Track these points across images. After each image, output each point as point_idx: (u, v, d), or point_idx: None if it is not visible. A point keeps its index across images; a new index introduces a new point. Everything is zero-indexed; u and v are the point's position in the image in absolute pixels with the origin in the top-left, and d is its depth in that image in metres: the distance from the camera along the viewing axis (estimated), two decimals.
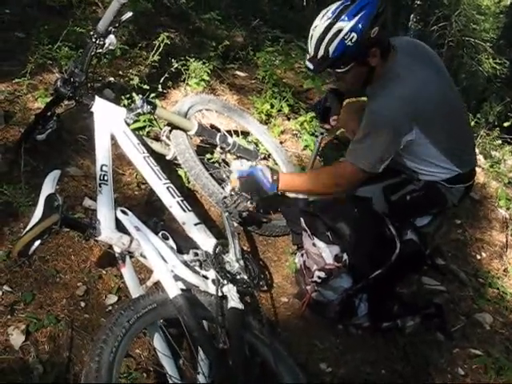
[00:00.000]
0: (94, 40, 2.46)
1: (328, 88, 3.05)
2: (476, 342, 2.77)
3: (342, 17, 2.24)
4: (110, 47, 2.52)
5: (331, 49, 2.27)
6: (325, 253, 2.49)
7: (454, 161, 2.49)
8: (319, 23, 2.30)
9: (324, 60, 2.32)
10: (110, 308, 2.22)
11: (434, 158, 2.47)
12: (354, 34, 2.23)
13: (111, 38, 2.48)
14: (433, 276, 3.01)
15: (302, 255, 2.67)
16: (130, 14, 2.51)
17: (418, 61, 2.42)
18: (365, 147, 2.36)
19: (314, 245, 2.53)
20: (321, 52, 2.30)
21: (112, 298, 2.26)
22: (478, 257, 3.45)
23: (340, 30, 2.24)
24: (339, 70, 2.35)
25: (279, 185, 2.55)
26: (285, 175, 2.71)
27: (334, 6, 2.31)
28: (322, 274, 2.50)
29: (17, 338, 1.96)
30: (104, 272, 2.34)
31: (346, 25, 2.23)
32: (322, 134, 3.01)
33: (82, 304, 2.19)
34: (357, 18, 2.22)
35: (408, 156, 2.48)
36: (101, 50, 2.50)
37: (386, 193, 2.59)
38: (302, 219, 2.63)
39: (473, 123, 4.96)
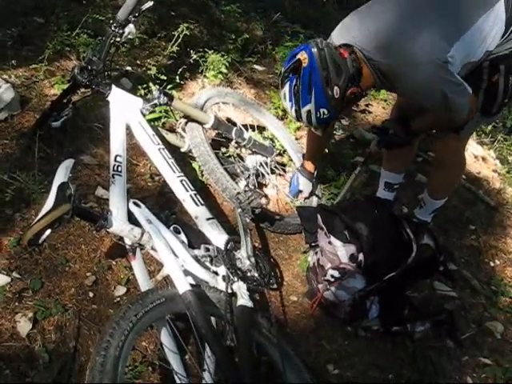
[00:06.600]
0: (113, 28, 2.45)
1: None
2: (486, 350, 2.72)
3: (301, 101, 2.26)
4: (129, 36, 2.52)
5: (317, 125, 2.36)
6: (340, 251, 2.46)
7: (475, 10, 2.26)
8: (289, 110, 2.35)
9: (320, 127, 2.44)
10: (119, 299, 2.21)
11: (477, 33, 2.26)
12: (322, 110, 2.26)
13: (130, 27, 2.48)
14: (444, 281, 2.97)
15: (316, 253, 2.64)
16: (150, 3, 2.51)
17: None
18: (453, 99, 2.23)
19: (329, 243, 2.50)
20: (313, 126, 2.40)
21: (121, 290, 2.24)
22: (492, 264, 3.38)
23: (309, 112, 2.27)
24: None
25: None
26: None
27: (286, 91, 2.29)
28: (336, 273, 2.48)
29: (24, 326, 1.95)
30: (114, 263, 2.33)
31: (310, 107, 2.26)
32: (358, 170, 2.97)
33: (91, 294, 2.18)
34: (313, 96, 2.23)
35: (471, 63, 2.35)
36: (119, 39, 2.49)
37: None
38: (318, 216, 2.60)
39: (490, 127, 4.90)
